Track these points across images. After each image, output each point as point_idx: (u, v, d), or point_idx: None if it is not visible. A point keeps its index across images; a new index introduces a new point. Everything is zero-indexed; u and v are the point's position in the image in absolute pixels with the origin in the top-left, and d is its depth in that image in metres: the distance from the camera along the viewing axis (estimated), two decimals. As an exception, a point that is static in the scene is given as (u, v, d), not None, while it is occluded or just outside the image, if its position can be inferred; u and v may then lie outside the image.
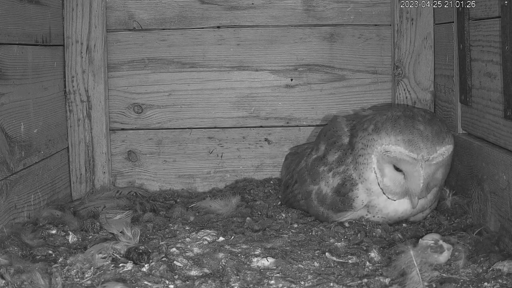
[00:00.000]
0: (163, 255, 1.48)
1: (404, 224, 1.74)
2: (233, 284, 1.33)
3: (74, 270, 1.39)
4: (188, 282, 1.34)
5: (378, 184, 1.65)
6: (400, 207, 1.68)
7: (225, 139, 2.25)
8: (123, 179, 2.24)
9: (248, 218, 1.81)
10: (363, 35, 2.22)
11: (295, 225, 1.75)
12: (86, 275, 1.37)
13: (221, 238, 1.62)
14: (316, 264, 1.45)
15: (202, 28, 2.22)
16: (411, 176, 1.60)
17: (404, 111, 1.64)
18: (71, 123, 2.16)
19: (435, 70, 2.18)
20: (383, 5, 2.20)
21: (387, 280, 1.33)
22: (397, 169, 1.62)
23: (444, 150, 1.60)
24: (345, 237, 1.63)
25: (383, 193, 1.66)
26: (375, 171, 1.64)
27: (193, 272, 1.41)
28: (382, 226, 1.68)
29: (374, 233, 1.65)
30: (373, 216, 1.70)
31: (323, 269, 1.43)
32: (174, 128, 2.24)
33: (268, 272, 1.40)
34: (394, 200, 1.67)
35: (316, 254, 1.51)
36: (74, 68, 2.14)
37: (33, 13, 1.86)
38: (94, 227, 1.70)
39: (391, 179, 1.63)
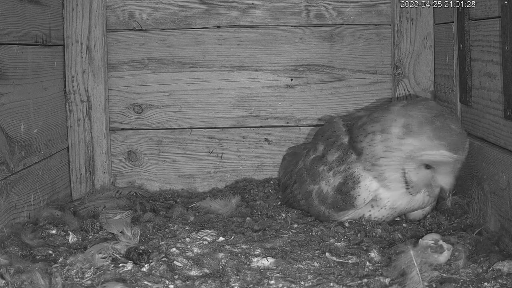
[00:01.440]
0: (163, 255, 1.48)
1: (404, 224, 1.74)
2: (233, 284, 1.33)
3: (74, 270, 1.39)
4: (188, 282, 1.34)
5: (406, 183, 1.65)
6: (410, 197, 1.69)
7: (225, 139, 2.25)
8: (123, 179, 2.24)
9: (248, 218, 1.81)
10: (363, 35, 2.22)
11: (295, 225, 1.75)
12: (86, 275, 1.37)
13: (221, 238, 1.62)
14: (316, 264, 1.45)
15: (202, 28, 2.22)
16: (443, 174, 1.63)
17: (427, 109, 1.61)
18: (71, 123, 2.16)
19: (435, 70, 2.18)
20: (383, 5, 2.20)
21: (387, 280, 1.33)
22: (427, 166, 1.63)
23: (468, 145, 1.63)
24: (345, 237, 1.63)
25: (406, 188, 1.66)
26: (405, 172, 1.63)
27: (193, 272, 1.41)
28: (382, 226, 1.69)
29: (374, 233, 1.65)
30: (380, 210, 1.70)
31: (323, 269, 1.43)
32: (174, 128, 2.24)
33: (268, 272, 1.40)
34: (412, 195, 1.67)
35: (316, 254, 1.51)
36: (74, 68, 2.14)
37: (33, 13, 1.86)
38: (94, 227, 1.70)
39: (420, 177, 1.64)
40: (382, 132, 1.64)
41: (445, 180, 1.64)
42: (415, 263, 1.29)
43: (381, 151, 1.64)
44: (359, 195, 1.68)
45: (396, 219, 1.79)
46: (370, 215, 1.71)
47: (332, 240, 1.61)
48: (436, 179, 1.65)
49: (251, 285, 1.33)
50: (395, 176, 1.64)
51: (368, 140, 1.66)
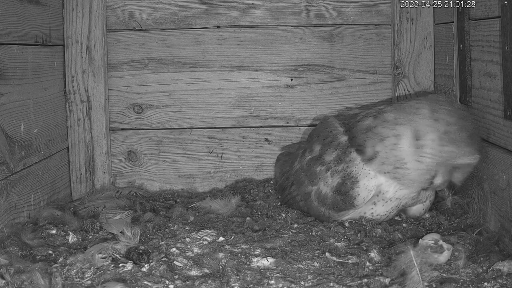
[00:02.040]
0: (163, 255, 1.48)
1: (404, 224, 1.74)
2: (233, 284, 1.33)
3: (74, 270, 1.39)
4: (188, 282, 1.34)
5: (431, 183, 1.67)
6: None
7: (225, 139, 2.25)
8: (123, 179, 2.24)
9: (248, 218, 1.81)
10: (363, 35, 2.22)
11: (295, 225, 1.75)
12: (86, 275, 1.37)
13: (221, 238, 1.62)
14: (316, 264, 1.45)
15: (202, 28, 2.22)
16: (462, 173, 1.68)
17: (457, 114, 1.64)
18: (71, 123, 2.16)
19: (435, 70, 2.18)
20: (383, 5, 2.20)
21: (387, 280, 1.33)
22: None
23: None
24: (345, 237, 1.63)
25: (425, 189, 1.70)
26: (435, 175, 1.66)
27: (193, 272, 1.41)
28: (382, 226, 1.69)
29: (374, 233, 1.65)
30: (384, 204, 1.69)
31: (323, 269, 1.43)
32: (174, 128, 2.24)
33: (268, 272, 1.40)
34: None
35: (316, 254, 1.51)
36: (74, 68, 2.14)
37: (33, 13, 1.86)
38: (94, 227, 1.70)
39: (446, 178, 1.68)
40: (415, 138, 1.62)
41: (460, 177, 1.69)
42: (415, 263, 1.29)
43: (410, 155, 1.62)
44: (359, 195, 1.67)
45: (396, 218, 1.79)
46: (372, 213, 1.71)
47: (332, 240, 1.61)
48: (452, 176, 1.69)
49: (251, 285, 1.33)
50: (423, 179, 1.65)
51: (387, 144, 1.64)
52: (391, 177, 1.65)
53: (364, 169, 1.67)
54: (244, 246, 1.56)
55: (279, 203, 1.97)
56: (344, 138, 1.75)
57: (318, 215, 1.78)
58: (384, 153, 1.65)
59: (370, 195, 1.67)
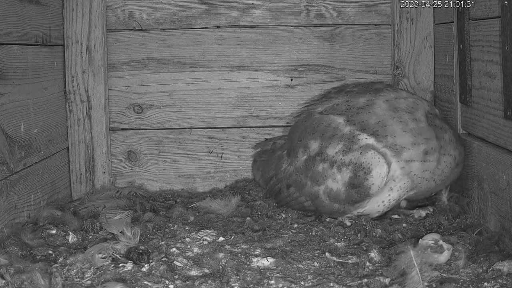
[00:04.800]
0: (163, 255, 1.48)
1: (404, 224, 1.74)
2: (233, 284, 1.33)
3: (74, 270, 1.39)
4: (188, 282, 1.34)
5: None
6: None
7: (225, 139, 2.25)
8: (123, 179, 2.24)
9: (248, 218, 1.81)
10: (363, 35, 2.22)
11: (295, 225, 1.75)
12: (86, 275, 1.37)
13: (221, 238, 1.62)
14: (316, 264, 1.45)
15: (202, 28, 2.22)
16: None
17: None
18: (71, 123, 2.16)
19: (435, 70, 2.18)
20: (383, 5, 2.20)
21: (387, 280, 1.33)
22: None
23: None
24: (345, 237, 1.63)
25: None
26: None
27: (193, 272, 1.41)
28: (382, 225, 1.68)
29: (374, 233, 1.65)
30: (400, 187, 1.71)
31: (323, 269, 1.43)
32: (174, 128, 2.24)
33: (268, 272, 1.40)
34: None
35: (316, 254, 1.51)
36: (74, 68, 2.14)
37: (33, 13, 1.86)
38: (94, 227, 1.70)
39: None
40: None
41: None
42: (415, 263, 1.29)
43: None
44: (373, 184, 1.66)
45: (395, 217, 1.78)
46: (389, 199, 1.71)
47: (332, 240, 1.61)
48: None
49: (251, 285, 1.33)
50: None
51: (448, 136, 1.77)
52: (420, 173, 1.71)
53: (374, 158, 1.66)
54: (244, 246, 1.56)
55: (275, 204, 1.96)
56: (347, 129, 1.72)
57: (331, 211, 1.75)
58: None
59: (384, 182, 1.66)
